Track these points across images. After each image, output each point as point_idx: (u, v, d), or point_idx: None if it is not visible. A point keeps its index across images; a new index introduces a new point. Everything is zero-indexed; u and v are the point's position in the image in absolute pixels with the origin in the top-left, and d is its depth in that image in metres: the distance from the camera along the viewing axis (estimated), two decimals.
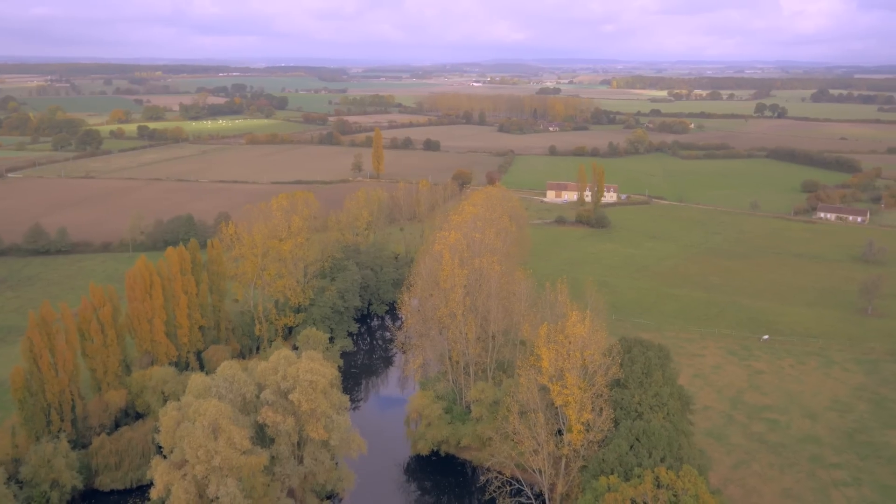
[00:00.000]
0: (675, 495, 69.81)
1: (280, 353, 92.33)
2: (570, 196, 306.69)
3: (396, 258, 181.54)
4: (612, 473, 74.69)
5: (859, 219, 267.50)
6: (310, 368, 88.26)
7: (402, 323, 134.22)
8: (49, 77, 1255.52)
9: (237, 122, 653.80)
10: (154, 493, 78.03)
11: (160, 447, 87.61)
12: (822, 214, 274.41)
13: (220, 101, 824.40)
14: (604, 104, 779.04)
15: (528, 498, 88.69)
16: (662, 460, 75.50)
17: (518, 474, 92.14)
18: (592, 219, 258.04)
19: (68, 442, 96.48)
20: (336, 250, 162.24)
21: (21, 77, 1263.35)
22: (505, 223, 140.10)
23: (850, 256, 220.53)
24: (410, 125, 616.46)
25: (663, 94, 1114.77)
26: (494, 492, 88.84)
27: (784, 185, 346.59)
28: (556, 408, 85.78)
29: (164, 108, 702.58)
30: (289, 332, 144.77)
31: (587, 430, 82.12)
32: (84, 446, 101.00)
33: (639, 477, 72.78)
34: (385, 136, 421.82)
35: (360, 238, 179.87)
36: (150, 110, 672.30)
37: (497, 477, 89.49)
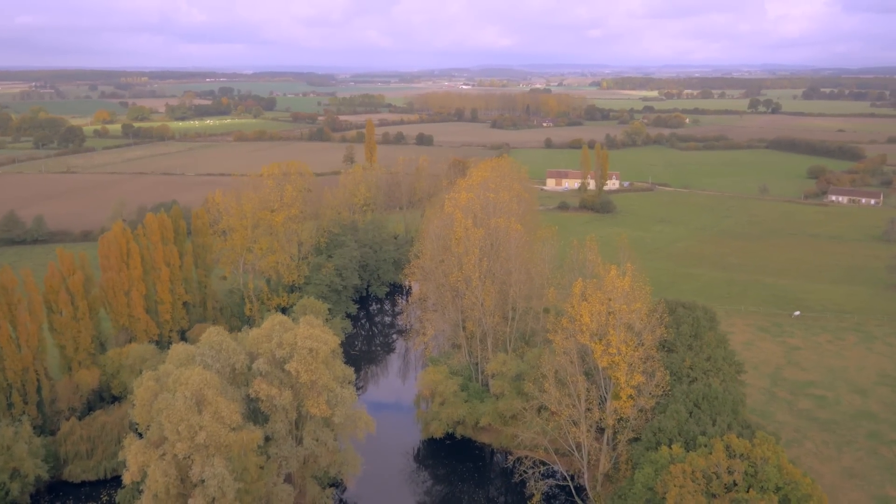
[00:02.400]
0: (752, 466, 58.35)
1: (274, 319, 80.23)
2: (570, 184, 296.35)
3: (396, 238, 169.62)
4: (671, 444, 63.10)
5: (873, 201, 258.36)
6: (309, 335, 75.81)
7: (409, 295, 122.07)
8: (33, 83, 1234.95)
9: (225, 121, 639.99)
10: (127, 477, 65.43)
11: (137, 428, 75.29)
12: (833, 197, 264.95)
13: (207, 102, 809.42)
14: (597, 103, 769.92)
15: (563, 479, 76.94)
16: (729, 427, 64.07)
17: (553, 457, 79.56)
18: (597, 204, 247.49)
19: (32, 427, 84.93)
20: (333, 225, 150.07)
21: (5, 84, 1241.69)
22: (518, 189, 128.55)
23: (870, 236, 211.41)
24: (402, 122, 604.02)
25: (654, 94, 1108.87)
26: (524, 472, 76.86)
27: (789, 173, 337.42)
28: (597, 374, 74.16)
29: (150, 109, 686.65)
30: (282, 314, 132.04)
31: (637, 396, 70.31)
32: (52, 432, 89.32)
33: (705, 446, 61.24)
34: (377, 132, 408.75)
35: (358, 216, 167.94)
36: (136, 111, 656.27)
37: (526, 458, 77.69)
